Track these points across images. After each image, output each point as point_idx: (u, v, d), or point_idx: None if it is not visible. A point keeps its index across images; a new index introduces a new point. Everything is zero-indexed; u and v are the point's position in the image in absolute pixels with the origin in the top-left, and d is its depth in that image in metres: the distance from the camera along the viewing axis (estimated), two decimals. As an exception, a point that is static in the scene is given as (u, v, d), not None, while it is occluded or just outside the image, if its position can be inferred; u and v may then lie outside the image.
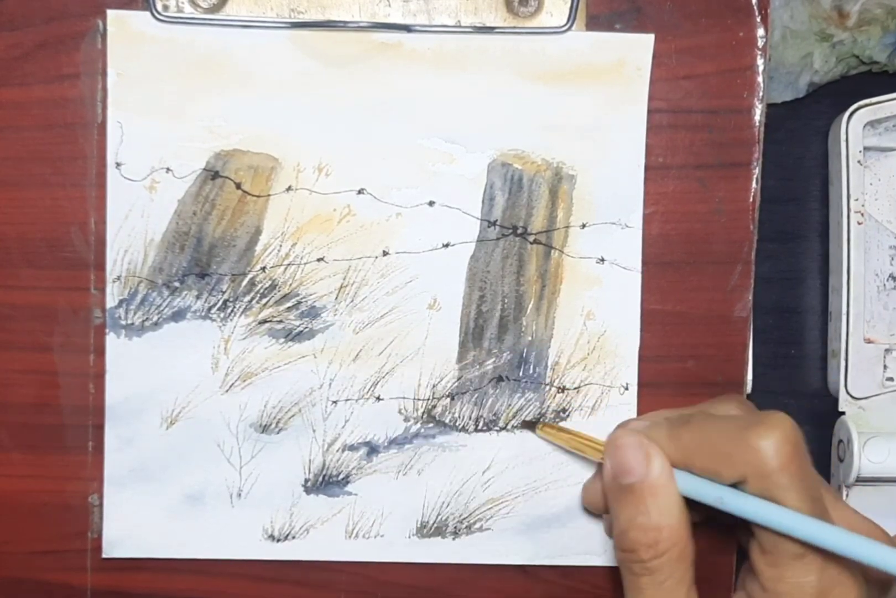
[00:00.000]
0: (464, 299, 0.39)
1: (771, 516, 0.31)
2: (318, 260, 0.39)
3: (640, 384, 0.40)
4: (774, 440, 0.31)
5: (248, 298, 0.39)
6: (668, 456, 0.33)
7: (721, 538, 0.40)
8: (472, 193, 0.39)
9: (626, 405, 0.39)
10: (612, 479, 0.34)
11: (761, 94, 0.39)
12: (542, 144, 0.39)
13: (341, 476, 0.39)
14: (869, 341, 0.44)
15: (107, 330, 0.38)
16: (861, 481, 0.43)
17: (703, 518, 0.36)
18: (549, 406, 0.39)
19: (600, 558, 0.40)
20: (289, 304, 0.39)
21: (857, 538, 0.30)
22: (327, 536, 0.39)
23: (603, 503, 0.36)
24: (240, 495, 0.39)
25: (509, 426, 0.39)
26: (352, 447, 0.39)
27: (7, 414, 0.39)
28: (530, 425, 0.39)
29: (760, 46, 0.39)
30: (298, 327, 0.39)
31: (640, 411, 0.40)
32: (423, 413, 0.39)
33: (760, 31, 0.39)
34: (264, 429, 0.39)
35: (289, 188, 0.38)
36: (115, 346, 0.38)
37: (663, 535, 0.32)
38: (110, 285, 0.38)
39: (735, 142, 0.39)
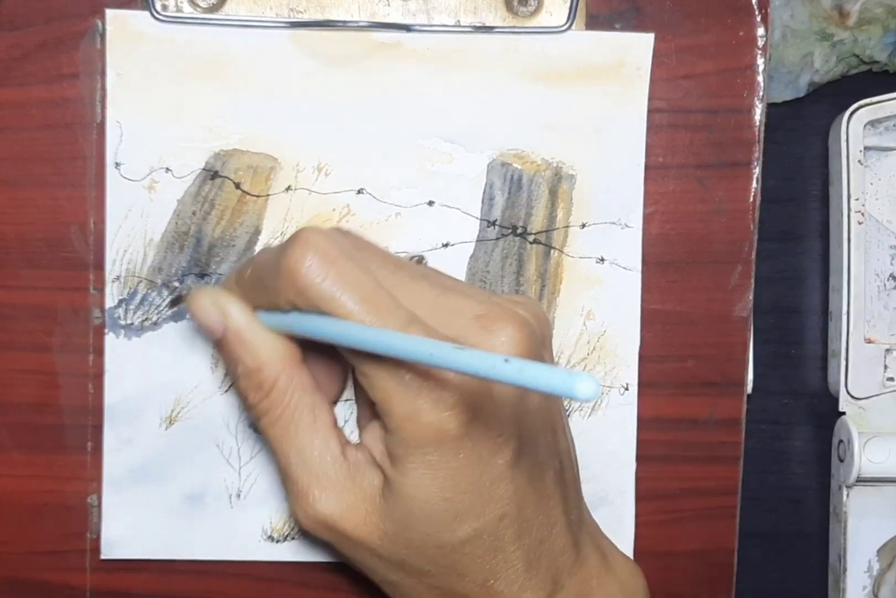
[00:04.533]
0: (463, 299, 0.39)
1: (319, 327, 0.30)
2: (318, 260, 0.38)
3: (641, 384, 0.39)
4: (297, 255, 0.29)
5: (247, 298, 0.38)
6: (249, 302, 0.32)
7: (720, 537, 0.40)
8: (472, 192, 0.39)
9: (626, 405, 0.39)
10: (210, 339, 0.34)
11: (761, 93, 0.39)
12: (541, 144, 0.39)
13: (341, 476, 0.39)
14: (869, 341, 0.44)
15: (106, 330, 0.38)
16: (861, 481, 0.43)
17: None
18: (548, 406, 0.39)
19: (600, 558, 0.40)
20: (288, 304, 0.39)
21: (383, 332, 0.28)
22: (327, 536, 0.39)
23: None
24: (239, 495, 0.39)
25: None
26: (351, 448, 0.39)
27: (7, 414, 0.39)
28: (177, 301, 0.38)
29: (760, 46, 0.39)
30: (298, 327, 0.39)
31: (640, 412, 0.39)
32: (423, 413, 0.39)
33: (760, 31, 0.39)
34: (264, 429, 0.39)
35: (288, 188, 0.38)
36: (115, 346, 0.38)
37: (263, 374, 0.32)
38: (110, 285, 0.38)
39: (735, 141, 0.39)
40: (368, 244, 0.33)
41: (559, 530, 0.33)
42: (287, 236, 0.38)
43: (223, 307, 0.33)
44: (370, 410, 0.34)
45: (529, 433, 0.32)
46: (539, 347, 0.31)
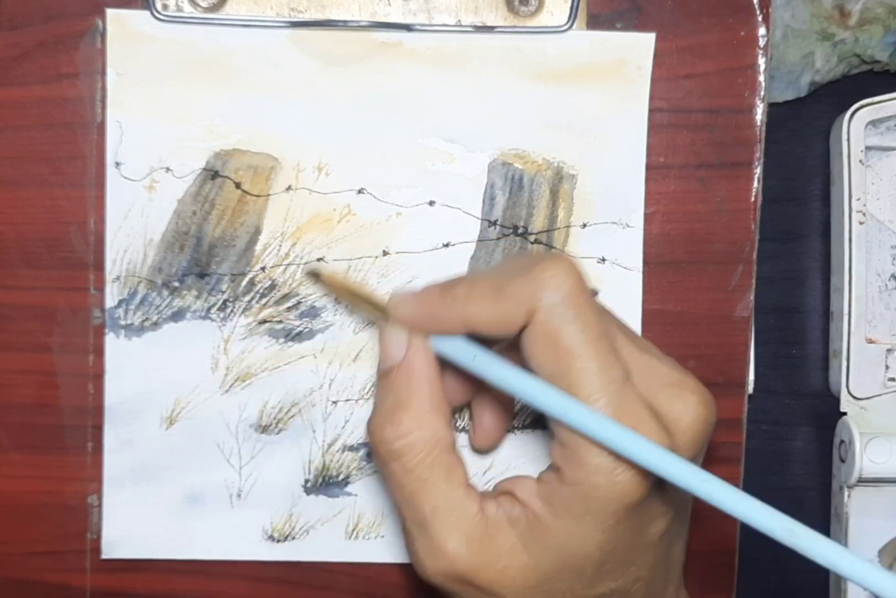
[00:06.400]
0: (464, 299, 0.39)
1: (512, 380, 0.30)
2: (318, 260, 0.38)
3: (641, 385, 0.39)
4: (557, 272, 0.29)
5: (247, 298, 0.38)
6: (447, 323, 0.31)
7: (722, 538, 0.40)
8: (473, 192, 0.39)
9: (626, 406, 0.39)
10: (379, 368, 0.33)
11: (762, 93, 0.39)
12: (542, 144, 0.39)
13: (341, 477, 0.39)
14: (871, 341, 0.44)
15: (106, 330, 0.38)
16: (863, 481, 0.43)
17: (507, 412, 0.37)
18: (549, 407, 0.39)
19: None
20: (289, 304, 0.39)
21: (602, 419, 0.28)
22: (327, 536, 0.39)
23: None
24: (239, 495, 0.39)
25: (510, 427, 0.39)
26: (352, 448, 0.39)
27: (6, 415, 0.38)
28: (315, 276, 0.37)
29: (762, 45, 0.39)
30: (298, 327, 0.39)
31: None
32: (424, 414, 0.39)
33: (762, 30, 0.39)
34: (264, 429, 0.39)
35: (288, 188, 0.38)
36: (115, 346, 0.38)
37: (408, 414, 0.31)
38: (110, 285, 0.38)
39: (736, 141, 0.39)
40: None
41: (671, 593, 0.33)
42: (287, 236, 0.38)
43: (411, 338, 0.32)
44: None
45: (679, 506, 0.32)
46: (714, 424, 0.32)
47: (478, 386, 0.35)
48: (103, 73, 0.37)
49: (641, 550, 0.31)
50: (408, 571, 0.40)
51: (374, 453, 0.32)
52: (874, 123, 0.43)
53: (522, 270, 0.30)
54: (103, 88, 0.38)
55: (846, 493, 0.44)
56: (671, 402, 0.30)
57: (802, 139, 0.45)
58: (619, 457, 0.29)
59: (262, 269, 0.38)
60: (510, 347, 0.32)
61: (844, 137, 0.43)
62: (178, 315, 0.38)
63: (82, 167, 0.38)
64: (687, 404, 0.31)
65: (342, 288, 0.37)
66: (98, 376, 0.38)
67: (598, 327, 0.29)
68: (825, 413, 0.45)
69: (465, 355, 0.31)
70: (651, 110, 0.39)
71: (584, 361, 0.29)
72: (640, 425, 0.29)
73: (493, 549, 0.31)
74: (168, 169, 0.38)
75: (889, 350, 0.44)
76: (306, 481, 0.39)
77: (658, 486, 0.30)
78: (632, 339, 0.32)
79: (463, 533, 0.31)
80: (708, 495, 0.27)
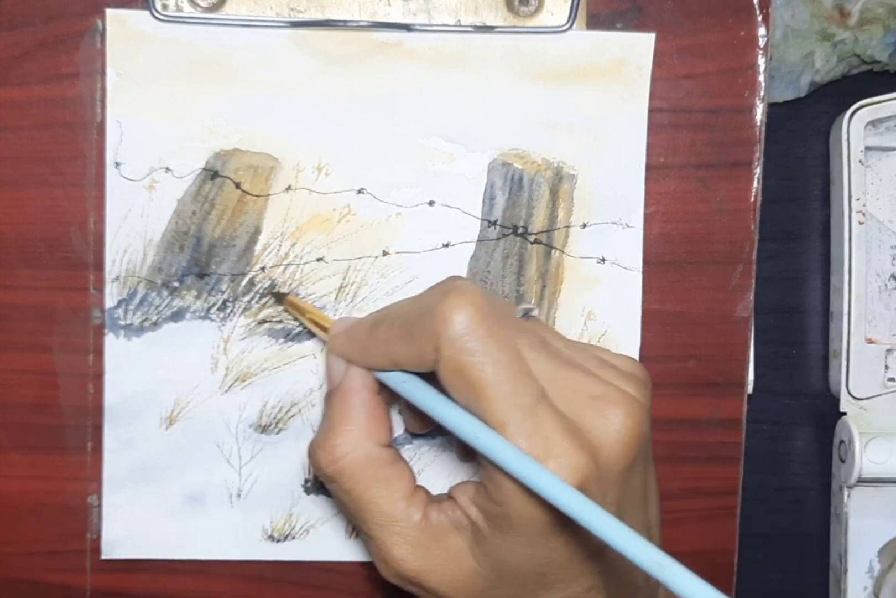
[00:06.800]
0: (464, 299, 0.39)
1: (432, 405, 0.31)
2: (318, 260, 0.38)
3: (641, 385, 0.39)
4: (455, 305, 0.30)
5: (247, 298, 0.38)
6: (376, 360, 0.32)
7: (721, 538, 0.40)
8: (473, 192, 0.39)
9: (626, 406, 0.39)
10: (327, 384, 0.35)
11: (762, 93, 0.39)
12: (542, 144, 0.39)
13: (341, 477, 0.39)
14: (870, 342, 0.44)
15: (106, 330, 0.38)
16: (862, 481, 0.43)
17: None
18: (549, 407, 0.39)
19: (601, 558, 0.40)
20: (288, 304, 0.39)
21: (506, 446, 0.28)
22: (327, 536, 0.39)
23: None
24: (239, 495, 0.39)
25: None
26: (352, 448, 0.39)
27: (6, 415, 0.38)
28: (280, 298, 0.38)
29: (762, 46, 0.39)
30: (298, 327, 0.39)
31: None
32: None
33: (762, 31, 0.39)
34: (264, 429, 0.39)
35: (288, 188, 0.38)
36: (114, 346, 0.38)
37: (340, 439, 0.32)
38: (109, 285, 0.38)
39: (736, 141, 0.39)
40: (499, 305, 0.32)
41: (641, 595, 0.33)
42: (287, 236, 0.38)
43: (349, 366, 0.33)
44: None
45: (624, 510, 0.32)
46: (647, 431, 0.31)
47: None
48: (103, 73, 0.37)
49: (588, 561, 0.31)
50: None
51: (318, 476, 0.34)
52: (874, 123, 0.43)
53: (427, 308, 0.30)
54: (103, 88, 0.38)
55: (846, 493, 0.44)
56: (593, 416, 0.30)
57: (802, 139, 0.45)
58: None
59: (262, 269, 0.38)
60: None
61: (844, 137, 0.43)
62: (177, 315, 0.38)
63: (82, 167, 0.38)
64: (609, 417, 0.30)
65: (300, 311, 0.38)
66: (98, 376, 0.38)
67: (503, 355, 0.29)
68: (825, 413, 0.45)
69: (397, 379, 0.32)
70: (651, 110, 0.39)
71: (489, 390, 0.29)
72: (553, 447, 0.29)
73: (439, 554, 0.31)
74: (168, 169, 0.38)
75: (889, 350, 0.44)
76: (306, 481, 0.39)
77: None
78: (557, 354, 0.31)
79: (407, 541, 0.32)
80: (588, 524, 0.27)
